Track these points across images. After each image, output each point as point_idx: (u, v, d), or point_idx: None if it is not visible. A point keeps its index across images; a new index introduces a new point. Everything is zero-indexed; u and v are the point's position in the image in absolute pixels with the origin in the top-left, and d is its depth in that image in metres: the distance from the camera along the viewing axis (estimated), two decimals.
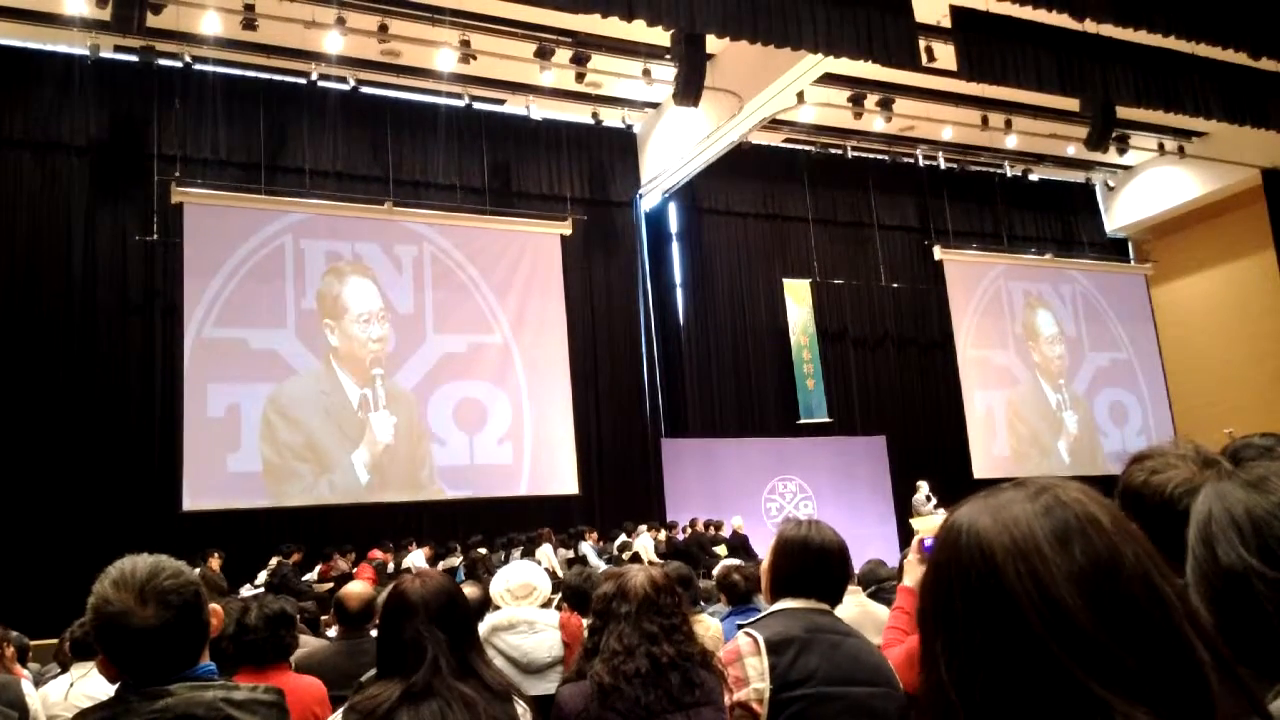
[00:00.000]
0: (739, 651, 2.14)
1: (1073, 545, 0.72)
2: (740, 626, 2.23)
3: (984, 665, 0.71)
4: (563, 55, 12.03)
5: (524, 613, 3.77)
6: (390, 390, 12.46)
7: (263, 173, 12.29)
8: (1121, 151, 15.48)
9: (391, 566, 10.39)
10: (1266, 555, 0.88)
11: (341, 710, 1.80)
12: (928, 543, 2.87)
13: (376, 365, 12.45)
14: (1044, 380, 17.23)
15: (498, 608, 3.84)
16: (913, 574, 2.84)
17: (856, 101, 13.67)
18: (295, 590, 8.92)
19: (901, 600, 2.84)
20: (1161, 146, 16.26)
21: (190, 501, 11.11)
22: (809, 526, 2.34)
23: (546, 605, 3.98)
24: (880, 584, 4.55)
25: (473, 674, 1.82)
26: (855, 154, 15.96)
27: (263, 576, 10.04)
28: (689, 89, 10.24)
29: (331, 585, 9.51)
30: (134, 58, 11.50)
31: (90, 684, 3.57)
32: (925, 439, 16.01)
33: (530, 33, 11.78)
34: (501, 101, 13.63)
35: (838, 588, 2.32)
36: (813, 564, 2.26)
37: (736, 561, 4.60)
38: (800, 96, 13.08)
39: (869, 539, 13.30)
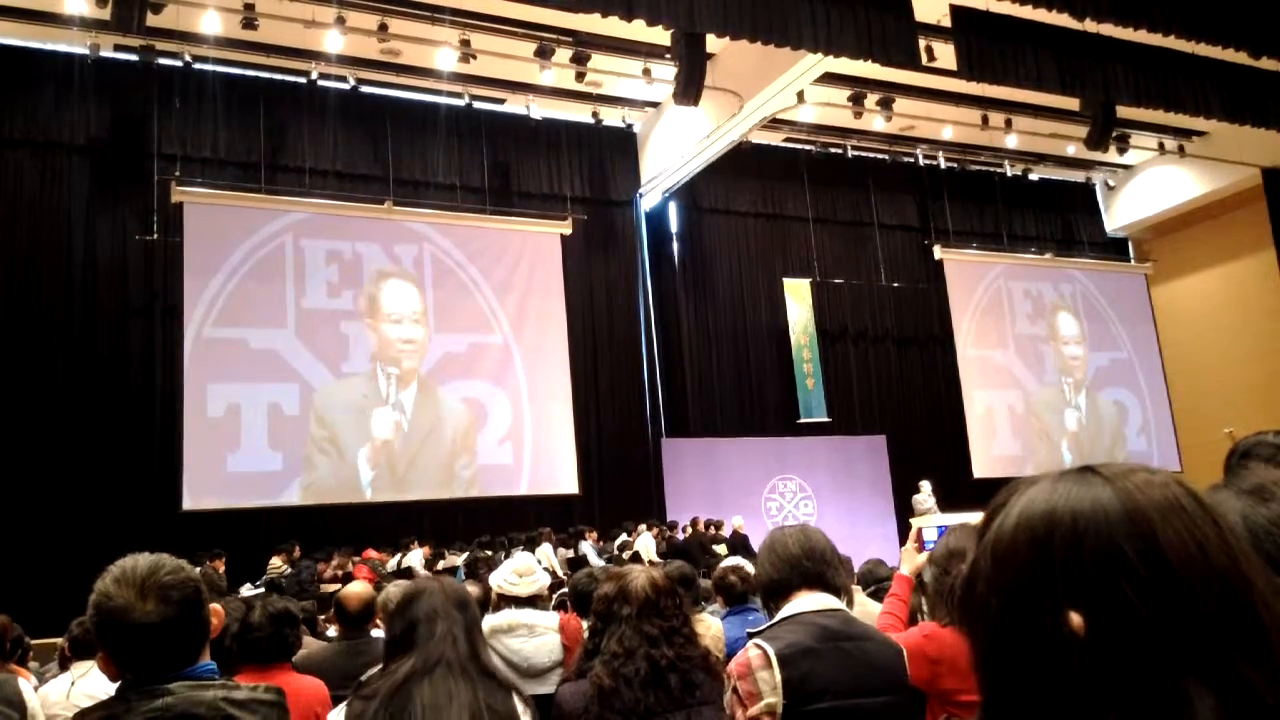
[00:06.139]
0: (749, 665, 2.07)
1: (1171, 522, 0.71)
2: (750, 635, 2.16)
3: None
4: (563, 55, 12.02)
5: (524, 616, 3.72)
6: (392, 390, 12.47)
7: (262, 172, 12.29)
8: (1121, 151, 15.47)
9: (392, 565, 10.38)
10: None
11: (351, 691, 1.82)
12: (926, 534, 2.87)
13: (392, 365, 12.50)
14: (1044, 379, 17.23)
15: (500, 596, 3.80)
16: (910, 563, 2.84)
17: (856, 101, 13.66)
18: (303, 591, 8.90)
19: (897, 588, 2.84)
20: (1161, 146, 16.25)
21: (190, 501, 11.11)
22: (789, 528, 2.32)
23: (545, 597, 3.95)
24: (880, 584, 4.53)
25: (479, 660, 1.87)
26: (855, 153, 15.96)
27: (265, 576, 10.02)
28: (689, 88, 10.23)
29: (335, 586, 9.50)
30: (134, 57, 11.49)
31: (91, 683, 3.56)
32: (925, 439, 16.01)
33: (530, 32, 11.77)
34: (501, 101, 13.62)
35: (828, 575, 2.23)
36: (794, 554, 2.22)
37: (736, 561, 4.58)
38: (800, 96, 13.07)
39: (869, 539, 13.32)
